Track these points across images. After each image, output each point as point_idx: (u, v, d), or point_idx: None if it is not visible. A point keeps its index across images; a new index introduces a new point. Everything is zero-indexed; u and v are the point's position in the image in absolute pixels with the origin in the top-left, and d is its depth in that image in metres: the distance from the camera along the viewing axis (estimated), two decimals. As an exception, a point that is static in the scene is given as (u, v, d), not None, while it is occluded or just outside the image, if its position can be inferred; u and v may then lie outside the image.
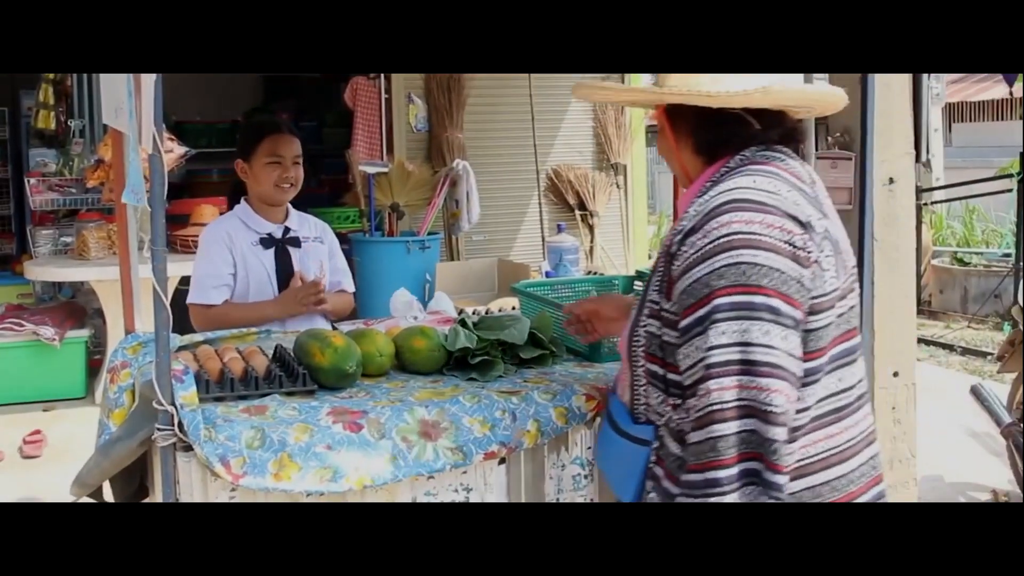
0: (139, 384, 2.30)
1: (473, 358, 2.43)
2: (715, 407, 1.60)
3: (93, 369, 6.33)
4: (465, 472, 2.14)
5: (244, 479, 1.93)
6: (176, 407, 1.98)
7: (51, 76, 6.99)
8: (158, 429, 1.98)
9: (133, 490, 2.48)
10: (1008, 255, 8.91)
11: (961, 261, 9.55)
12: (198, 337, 2.72)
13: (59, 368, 6.11)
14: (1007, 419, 4.31)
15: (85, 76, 6.86)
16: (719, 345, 1.60)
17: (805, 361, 1.65)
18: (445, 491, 2.14)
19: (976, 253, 9.82)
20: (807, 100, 1.85)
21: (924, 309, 8.96)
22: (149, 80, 1.90)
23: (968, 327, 8.53)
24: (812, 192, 1.76)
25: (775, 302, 1.59)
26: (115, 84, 2.16)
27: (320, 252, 3.33)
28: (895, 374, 3.77)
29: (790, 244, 1.62)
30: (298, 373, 2.30)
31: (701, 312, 1.63)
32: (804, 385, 1.66)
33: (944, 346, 7.90)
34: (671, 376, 1.75)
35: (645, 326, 1.81)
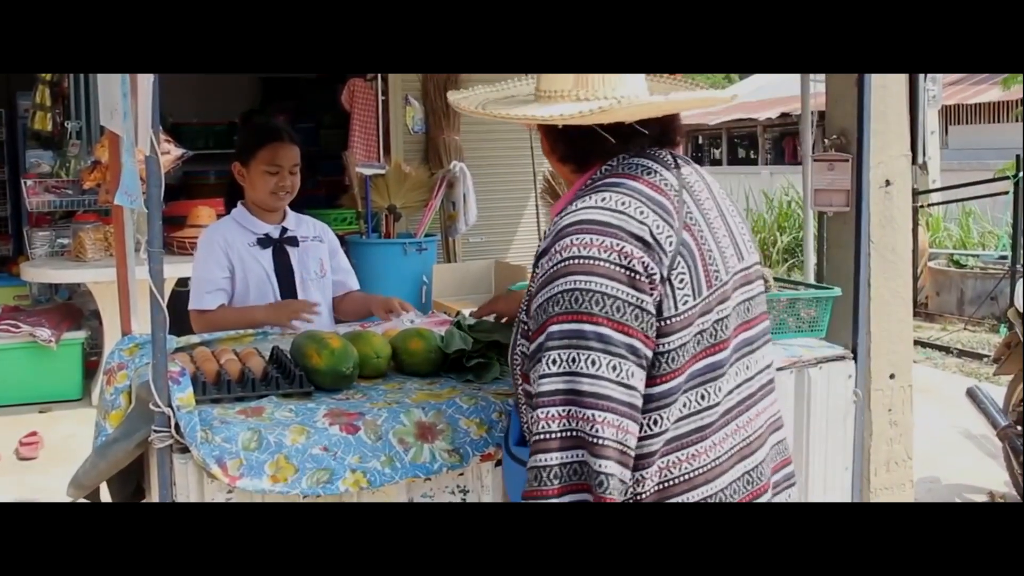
0: (136, 386, 2.30)
1: (469, 360, 2.43)
2: (541, 437, 1.57)
3: (90, 371, 6.32)
4: (462, 474, 2.14)
5: (241, 481, 1.93)
6: (173, 409, 1.98)
7: (48, 78, 6.98)
8: (155, 431, 1.98)
9: (130, 492, 2.48)
10: (1004, 257, 8.91)
11: (958, 263, 9.56)
12: (195, 339, 2.72)
13: (56, 370, 6.10)
14: (1003, 421, 4.31)
15: (82, 78, 6.84)
16: (548, 374, 1.58)
17: (658, 384, 1.61)
18: (442, 493, 2.14)
19: (972, 255, 9.83)
20: (659, 112, 1.76)
21: (920, 311, 8.97)
22: (146, 81, 1.90)
23: (965, 329, 8.54)
24: (677, 203, 1.68)
25: (605, 330, 1.55)
26: (111, 85, 2.15)
27: (320, 251, 3.33)
28: (892, 376, 3.77)
29: (628, 269, 1.57)
30: (295, 375, 2.29)
31: (540, 339, 1.61)
32: (658, 408, 1.61)
33: (941, 348, 7.90)
34: None
35: (520, 345, 1.77)
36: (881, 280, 3.73)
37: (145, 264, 1.98)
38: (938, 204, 10.53)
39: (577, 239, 1.61)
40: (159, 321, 1.95)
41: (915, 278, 8.12)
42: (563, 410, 1.56)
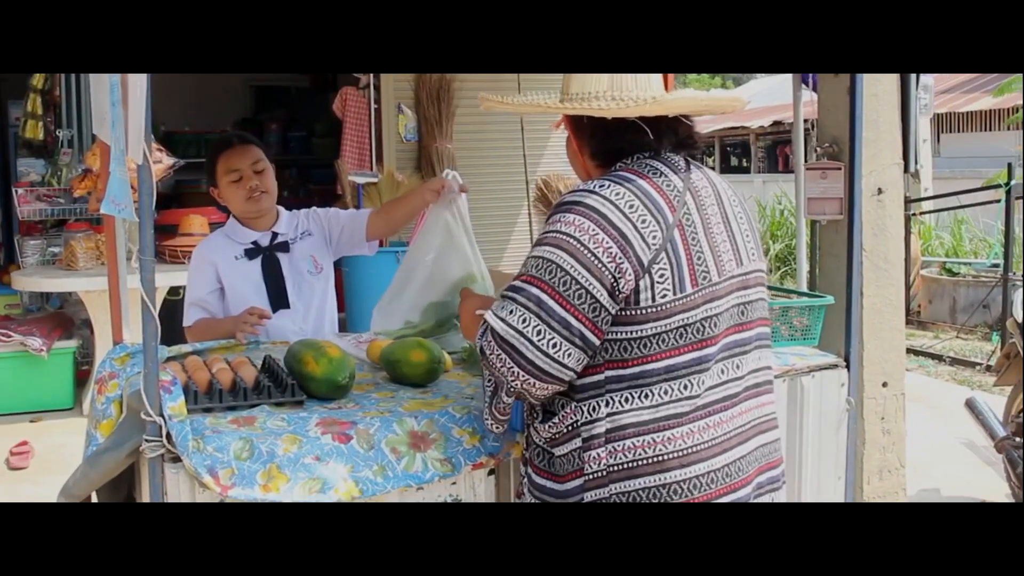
0: (127, 395, 2.28)
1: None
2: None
3: (81, 380, 6.29)
4: (454, 483, 2.13)
5: (232, 490, 1.92)
6: (164, 418, 1.97)
7: (39, 86, 6.96)
8: (146, 440, 1.97)
9: (120, 500, 2.46)
10: (996, 265, 8.92)
11: (950, 271, 9.58)
12: (186, 348, 2.71)
13: (47, 379, 6.07)
14: (1001, 432, 4.31)
15: (74, 87, 6.83)
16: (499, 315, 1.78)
17: (630, 366, 1.75)
18: (434, 501, 2.13)
19: (965, 263, 9.84)
20: (700, 107, 1.92)
21: (913, 319, 8.98)
22: (138, 90, 1.89)
23: (957, 337, 8.55)
24: (676, 205, 1.79)
25: (545, 297, 1.73)
26: (103, 94, 2.14)
27: (311, 246, 3.23)
28: (884, 384, 3.78)
29: (597, 259, 1.71)
30: (287, 384, 2.28)
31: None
32: (630, 388, 1.76)
33: (933, 356, 7.91)
34: None
35: None
36: (874, 288, 3.74)
37: (137, 273, 1.97)
38: (930, 212, 10.56)
39: (567, 216, 1.76)
40: (151, 330, 1.94)
41: (907, 286, 8.12)
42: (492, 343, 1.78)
